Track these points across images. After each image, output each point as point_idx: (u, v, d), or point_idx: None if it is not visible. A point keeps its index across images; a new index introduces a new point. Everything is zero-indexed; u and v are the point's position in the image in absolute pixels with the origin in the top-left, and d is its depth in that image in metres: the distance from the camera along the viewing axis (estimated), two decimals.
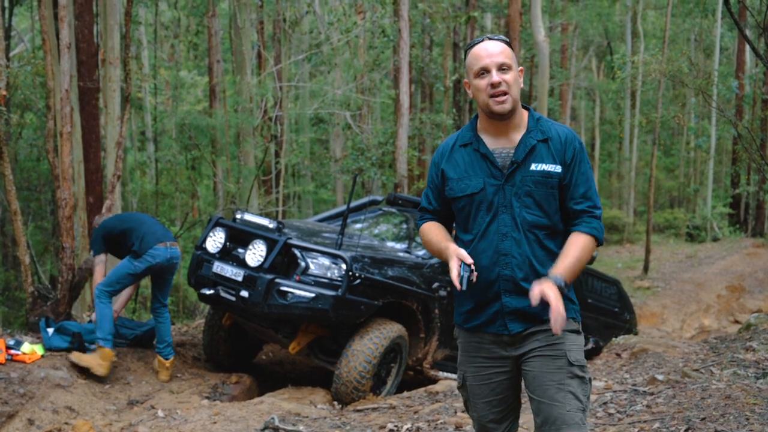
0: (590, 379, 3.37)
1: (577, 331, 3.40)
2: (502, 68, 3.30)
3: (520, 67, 3.41)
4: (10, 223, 16.30)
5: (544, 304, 3.32)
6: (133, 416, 7.01)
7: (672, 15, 22.92)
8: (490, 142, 3.42)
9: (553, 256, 3.34)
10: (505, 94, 3.29)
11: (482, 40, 3.37)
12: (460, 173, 3.43)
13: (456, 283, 3.19)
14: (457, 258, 3.24)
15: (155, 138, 23.17)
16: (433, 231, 3.54)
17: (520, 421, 3.67)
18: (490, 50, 3.32)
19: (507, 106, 3.31)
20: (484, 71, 3.31)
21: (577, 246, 3.32)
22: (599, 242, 3.41)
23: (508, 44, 3.38)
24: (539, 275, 3.31)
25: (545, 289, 3.13)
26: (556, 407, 3.25)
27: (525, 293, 3.32)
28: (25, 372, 7.18)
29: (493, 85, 3.28)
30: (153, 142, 23.06)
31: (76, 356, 7.60)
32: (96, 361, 7.61)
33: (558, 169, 3.34)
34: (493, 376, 3.46)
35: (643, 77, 19.48)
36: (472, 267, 3.22)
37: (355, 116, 18.46)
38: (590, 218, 3.37)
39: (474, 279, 3.21)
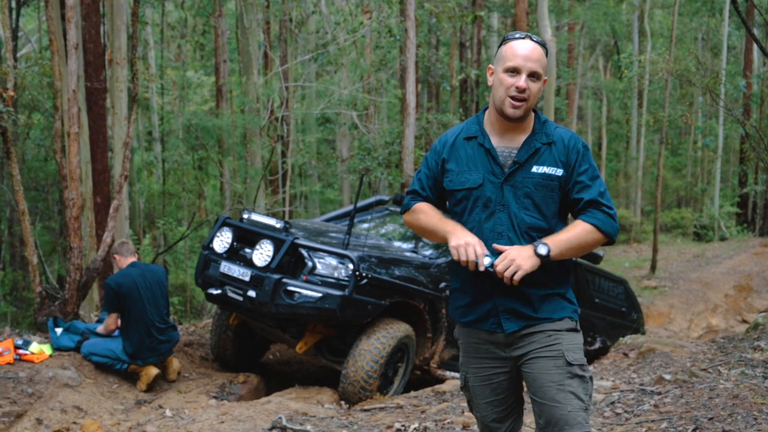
0: (591, 378, 3.36)
1: (574, 330, 3.39)
2: (532, 76, 3.28)
3: (545, 78, 3.39)
4: (18, 224, 16.37)
5: (539, 302, 3.32)
6: (141, 416, 7.03)
7: (679, 14, 22.91)
8: (495, 139, 3.41)
9: (540, 266, 3.30)
10: (524, 100, 3.27)
11: (524, 37, 3.33)
12: (462, 166, 3.42)
13: (480, 259, 3.21)
14: (480, 242, 3.25)
15: (162, 138, 23.22)
16: (432, 210, 3.52)
17: (527, 421, 3.66)
18: (529, 53, 3.28)
19: (519, 113, 3.29)
20: (515, 71, 3.28)
21: (575, 227, 3.31)
22: (607, 236, 3.33)
23: (546, 52, 3.36)
24: (533, 276, 3.28)
25: (510, 247, 3.22)
26: (557, 408, 3.24)
27: (518, 294, 3.32)
28: (34, 372, 7.20)
29: (519, 89, 3.26)
30: (160, 142, 23.12)
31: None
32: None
33: (559, 172, 3.33)
34: (493, 377, 3.47)
35: (650, 76, 19.43)
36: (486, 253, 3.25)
37: (361, 116, 18.45)
38: (595, 210, 3.33)
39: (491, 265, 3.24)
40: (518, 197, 3.32)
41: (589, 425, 3.26)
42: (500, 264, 3.16)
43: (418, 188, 3.60)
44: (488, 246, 3.30)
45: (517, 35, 3.36)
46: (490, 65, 3.44)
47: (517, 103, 3.28)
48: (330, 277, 7.48)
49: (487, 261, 3.21)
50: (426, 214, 3.52)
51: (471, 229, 3.36)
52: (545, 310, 3.34)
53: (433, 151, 3.56)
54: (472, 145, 3.44)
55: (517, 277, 3.16)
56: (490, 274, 3.25)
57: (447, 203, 3.57)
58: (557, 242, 3.23)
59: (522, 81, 3.25)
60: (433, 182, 3.55)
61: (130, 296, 7.67)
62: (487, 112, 3.48)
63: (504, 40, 3.39)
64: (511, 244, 3.30)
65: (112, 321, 7.86)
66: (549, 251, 3.20)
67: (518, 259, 3.16)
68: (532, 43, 3.32)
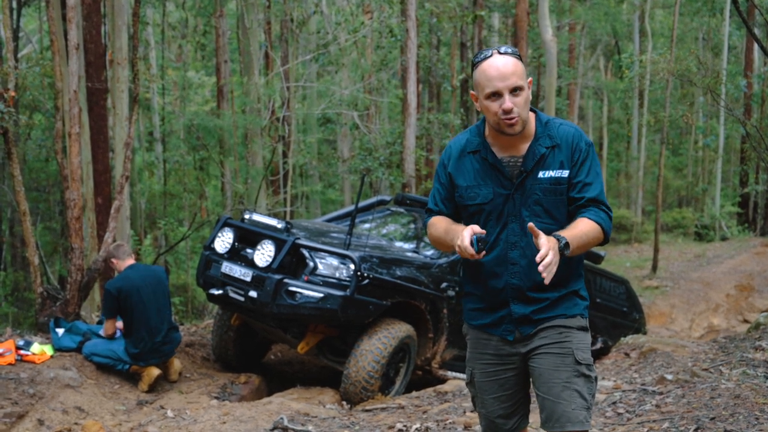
0: (596, 378, 3.36)
1: (584, 329, 3.39)
2: (514, 91, 3.20)
3: (529, 78, 3.31)
4: (19, 224, 16.36)
5: (554, 303, 3.31)
6: (143, 416, 7.03)
7: (680, 14, 22.88)
8: (499, 151, 3.37)
9: (562, 263, 3.25)
10: (516, 117, 3.22)
11: (492, 55, 3.24)
12: (469, 181, 3.39)
13: (468, 249, 3.09)
14: (470, 229, 3.13)
15: (163, 139, 23.20)
16: (441, 222, 3.46)
17: (530, 420, 3.66)
18: (502, 71, 3.19)
19: (518, 128, 3.25)
20: (496, 95, 3.21)
21: (583, 224, 3.22)
22: (605, 235, 3.29)
23: (518, 57, 3.26)
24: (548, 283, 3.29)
25: (545, 243, 3.01)
26: (560, 405, 3.25)
27: (533, 301, 3.32)
28: (35, 372, 7.20)
29: (506, 111, 3.20)
30: (161, 142, 23.10)
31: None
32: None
33: (565, 174, 3.30)
34: (500, 373, 3.46)
35: (651, 76, 19.41)
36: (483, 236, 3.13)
37: (362, 116, 18.46)
38: (597, 209, 3.28)
39: (485, 246, 3.14)
40: (528, 205, 3.29)
41: (590, 425, 3.27)
42: (548, 256, 2.98)
43: (432, 205, 3.57)
44: (504, 256, 3.31)
45: (483, 55, 3.27)
46: (473, 92, 3.35)
47: (511, 122, 3.22)
48: (331, 278, 7.48)
49: (473, 246, 3.13)
50: (435, 227, 3.48)
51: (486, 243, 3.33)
52: (558, 309, 3.35)
53: (441, 165, 3.52)
54: (477, 159, 3.39)
55: (549, 274, 3.01)
56: (504, 252, 3.29)
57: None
58: (572, 239, 3.13)
59: (506, 103, 3.19)
60: (446, 195, 3.50)
61: (131, 299, 7.66)
62: (486, 125, 3.42)
63: (474, 65, 3.30)
64: (524, 253, 3.29)
65: (110, 326, 7.86)
66: (569, 251, 3.12)
67: (555, 258, 3.03)
68: (501, 56, 3.23)
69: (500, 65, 3.21)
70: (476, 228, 3.15)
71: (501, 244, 3.33)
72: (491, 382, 3.49)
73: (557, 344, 3.32)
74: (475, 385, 3.55)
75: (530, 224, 3.07)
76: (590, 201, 3.30)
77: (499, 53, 3.24)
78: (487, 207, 3.35)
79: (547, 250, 2.98)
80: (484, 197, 3.35)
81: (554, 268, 3.00)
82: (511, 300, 3.34)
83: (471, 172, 3.40)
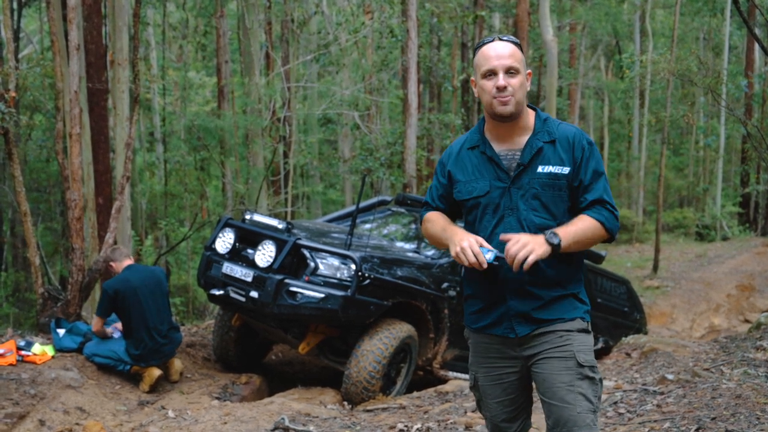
0: (601, 380, 3.35)
1: (586, 331, 3.38)
2: (510, 71, 3.27)
3: (528, 70, 3.38)
4: (20, 225, 16.37)
5: (551, 304, 3.30)
6: (144, 417, 7.03)
7: (681, 14, 22.89)
8: (497, 145, 3.40)
9: (560, 258, 3.29)
10: (509, 96, 3.27)
11: (492, 40, 3.33)
12: (468, 176, 3.42)
13: (480, 257, 3.16)
14: (479, 240, 3.21)
15: (164, 139, 23.22)
16: (438, 219, 3.51)
17: (531, 420, 3.66)
18: (500, 52, 3.28)
19: (510, 108, 3.28)
20: (491, 73, 3.28)
21: (582, 221, 3.27)
22: (609, 233, 3.32)
23: (518, 46, 3.34)
24: (546, 277, 3.29)
25: (519, 237, 3.15)
26: (566, 409, 3.24)
27: (531, 296, 3.31)
28: (36, 373, 7.20)
29: (499, 89, 3.26)
30: (162, 143, 23.11)
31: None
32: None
33: (565, 170, 3.30)
34: (504, 377, 3.46)
35: (651, 76, 19.45)
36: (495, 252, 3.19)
37: (363, 116, 18.46)
38: (601, 207, 3.31)
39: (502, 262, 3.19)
40: (526, 199, 3.31)
41: (597, 427, 3.25)
42: (513, 247, 3.11)
43: (429, 200, 3.63)
44: (501, 250, 3.26)
45: (485, 40, 3.37)
46: (473, 78, 3.44)
47: (503, 100, 3.27)
48: (332, 278, 7.48)
49: (489, 256, 3.17)
50: (432, 222, 3.53)
51: (483, 237, 3.33)
52: (557, 311, 3.33)
53: (440, 164, 3.57)
54: (476, 154, 3.43)
55: (530, 260, 3.09)
56: (496, 268, 3.23)
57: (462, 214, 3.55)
58: (567, 233, 3.19)
59: (500, 80, 3.26)
60: (444, 192, 3.55)
61: (128, 300, 7.65)
62: (485, 120, 3.48)
63: (475, 49, 3.41)
64: None
65: (97, 323, 7.84)
66: (560, 241, 3.17)
67: (531, 244, 3.11)
68: (501, 42, 3.33)
69: (499, 48, 3.31)
70: (482, 240, 3.22)
71: (497, 239, 3.32)
72: (495, 386, 3.49)
73: (558, 348, 3.30)
74: (479, 389, 3.55)
75: (502, 236, 3.21)
76: (594, 202, 3.33)
77: (500, 39, 3.35)
78: (483, 200, 3.36)
79: (515, 240, 3.14)
80: (480, 190, 3.37)
81: (529, 254, 3.10)
82: (509, 294, 3.33)
83: (469, 166, 3.44)
